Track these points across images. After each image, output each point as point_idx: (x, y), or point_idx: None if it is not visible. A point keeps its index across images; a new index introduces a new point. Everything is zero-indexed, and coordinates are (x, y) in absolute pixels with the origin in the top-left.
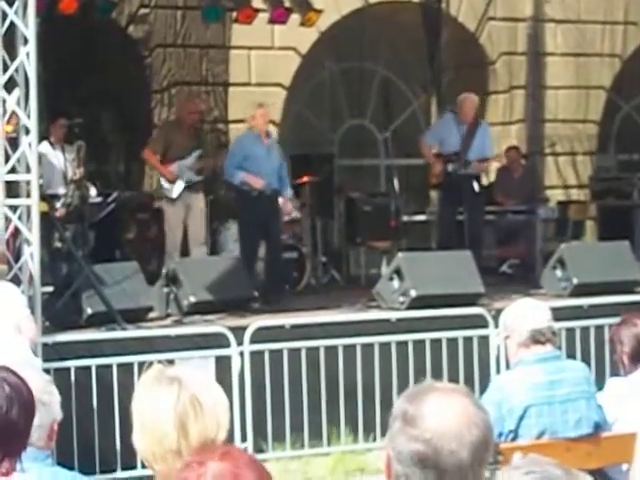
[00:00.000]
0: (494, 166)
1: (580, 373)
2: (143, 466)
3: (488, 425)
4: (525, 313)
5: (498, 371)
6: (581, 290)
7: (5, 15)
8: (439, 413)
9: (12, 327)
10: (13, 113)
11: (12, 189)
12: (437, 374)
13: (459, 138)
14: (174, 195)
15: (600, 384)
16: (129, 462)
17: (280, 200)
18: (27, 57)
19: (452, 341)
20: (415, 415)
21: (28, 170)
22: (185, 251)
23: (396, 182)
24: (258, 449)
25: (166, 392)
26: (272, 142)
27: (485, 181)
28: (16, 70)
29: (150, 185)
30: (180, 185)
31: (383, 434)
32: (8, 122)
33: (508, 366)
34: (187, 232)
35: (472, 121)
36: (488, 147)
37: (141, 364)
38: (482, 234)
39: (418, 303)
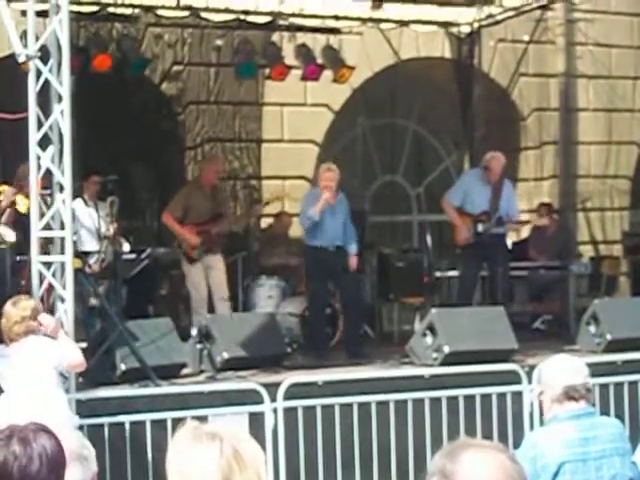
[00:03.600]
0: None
1: (614, 430)
2: None
3: (525, 479)
4: (559, 369)
5: (532, 427)
6: (615, 346)
7: (40, 73)
8: (477, 468)
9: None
10: (47, 170)
11: (46, 246)
12: (471, 430)
13: (485, 196)
14: (195, 256)
15: (634, 440)
16: None
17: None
18: (61, 114)
19: (485, 397)
20: (453, 470)
21: (62, 227)
22: (210, 308)
23: (429, 238)
24: None
25: (208, 448)
26: (339, 199)
27: (515, 237)
28: (50, 127)
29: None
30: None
31: None
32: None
33: (542, 422)
34: (210, 290)
35: (498, 179)
36: (513, 206)
37: (174, 420)
38: (512, 290)
39: (451, 359)
